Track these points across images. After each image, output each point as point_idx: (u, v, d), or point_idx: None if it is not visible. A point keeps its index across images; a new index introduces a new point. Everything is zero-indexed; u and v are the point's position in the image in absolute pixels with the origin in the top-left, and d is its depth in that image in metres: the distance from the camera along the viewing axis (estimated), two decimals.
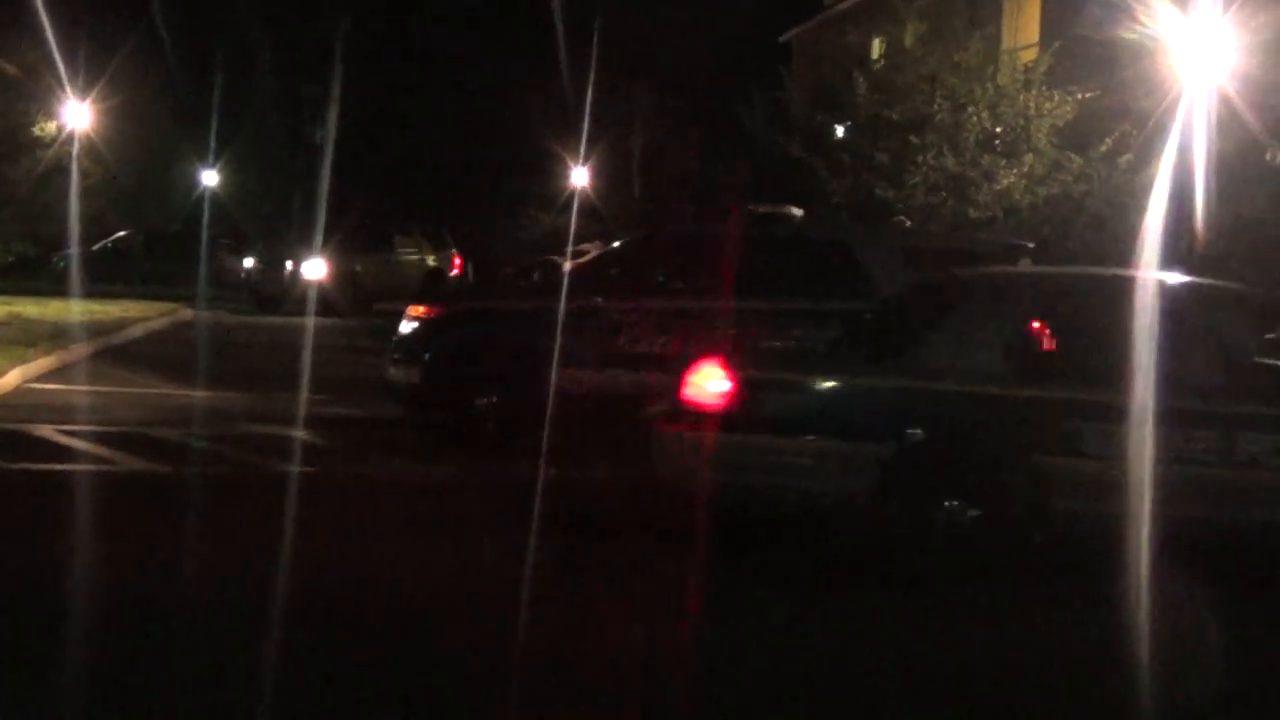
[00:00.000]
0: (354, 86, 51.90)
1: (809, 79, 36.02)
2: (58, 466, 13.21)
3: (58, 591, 8.79)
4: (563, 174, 51.70)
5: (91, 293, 35.07)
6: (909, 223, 19.87)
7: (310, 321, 26.74)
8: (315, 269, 36.72)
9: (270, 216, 39.75)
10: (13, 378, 18.63)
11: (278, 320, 30.60)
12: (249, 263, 41.90)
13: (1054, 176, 28.67)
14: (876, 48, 37.28)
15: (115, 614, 8.36)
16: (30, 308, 29.81)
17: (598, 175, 51.00)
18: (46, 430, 14.98)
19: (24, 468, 13.00)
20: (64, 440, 14.51)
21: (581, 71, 42.65)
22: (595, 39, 44.10)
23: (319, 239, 36.62)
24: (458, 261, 41.68)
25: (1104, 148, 28.17)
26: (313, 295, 30.85)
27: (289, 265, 39.06)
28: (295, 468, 13.64)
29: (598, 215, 45.01)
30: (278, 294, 37.47)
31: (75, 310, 29.21)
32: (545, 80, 51.72)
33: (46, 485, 12.37)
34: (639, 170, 53.91)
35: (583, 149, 46.18)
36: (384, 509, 12.19)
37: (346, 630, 8.19)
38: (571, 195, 45.23)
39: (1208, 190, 21.00)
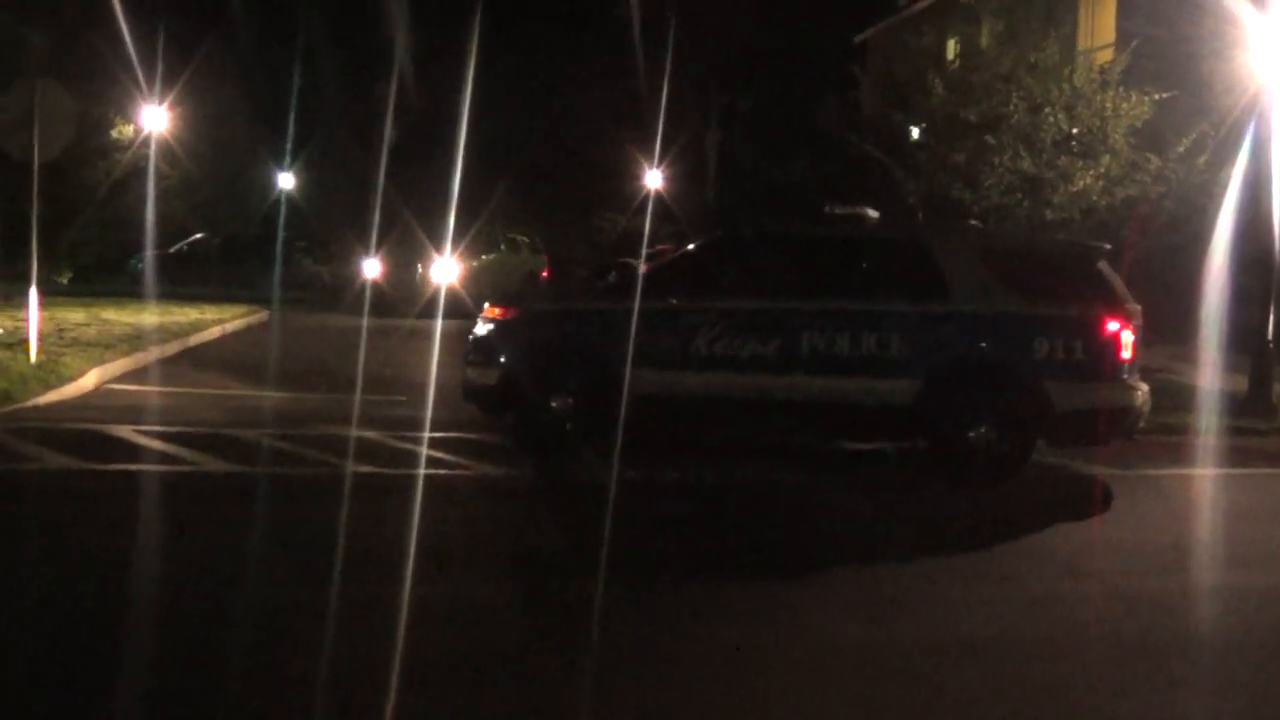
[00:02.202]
0: (431, 90, 52.07)
1: (883, 79, 35.73)
2: (135, 466, 13.27)
3: (133, 590, 8.85)
4: (637, 176, 51.68)
5: (168, 295, 35.37)
6: (981, 225, 19.71)
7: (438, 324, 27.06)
8: (443, 272, 36.55)
9: (356, 222, 39.67)
10: (91, 378, 18.79)
11: (406, 323, 30.47)
12: (369, 267, 41.19)
13: (1131, 177, 28.33)
14: (951, 48, 37.02)
15: (187, 613, 8.41)
16: (108, 310, 30.05)
17: (672, 177, 50.94)
18: (124, 430, 15.08)
19: (102, 468, 13.08)
20: (141, 440, 14.60)
21: (656, 73, 42.67)
22: (669, 41, 44.12)
23: (445, 243, 36.55)
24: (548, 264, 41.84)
25: (1181, 148, 27.86)
26: (439, 298, 30.87)
27: (419, 268, 39.07)
28: (371, 468, 13.67)
29: (672, 217, 45.01)
30: (408, 297, 36.98)
31: (152, 312, 29.45)
32: (620, 82, 51.65)
33: (124, 485, 12.43)
34: (712, 171, 53.86)
35: (657, 151, 46.13)
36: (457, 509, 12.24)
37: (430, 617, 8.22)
38: (646, 197, 45.15)
39: None
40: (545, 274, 41.17)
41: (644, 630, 8.56)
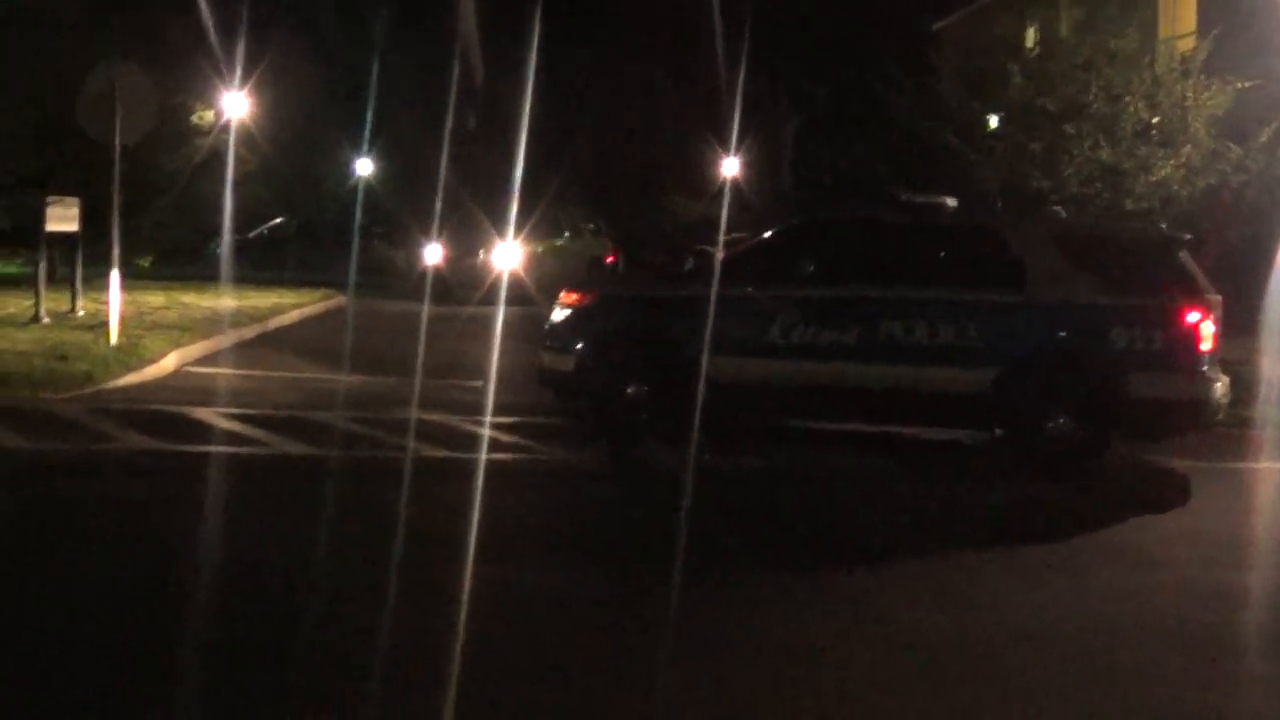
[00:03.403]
0: (503, 74, 52.18)
1: (961, 67, 35.51)
2: (213, 448, 13.40)
3: (208, 568, 8.95)
4: (713, 163, 51.59)
5: (246, 279, 35.67)
6: (1064, 213, 19.58)
7: (501, 311, 27.21)
8: (506, 257, 36.64)
9: (425, 207, 39.82)
10: (171, 361, 18.98)
11: (473, 310, 30.56)
12: (430, 253, 41.24)
13: (1212, 167, 28.09)
14: (1030, 36, 36.74)
15: (259, 592, 8.49)
16: (187, 293, 30.33)
17: (747, 164, 50.81)
18: (203, 412, 15.22)
19: (181, 448, 13.21)
20: (219, 422, 14.74)
21: (732, 57, 42.60)
22: (746, 23, 44.00)
23: (509, 228, 36.65)
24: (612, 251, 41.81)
25: (1264, 137, 27.58)
26: (504, 284, 31.00)
27: (481, 254, 39.25)
28: (445, 453, 13.74)
29: (747, 204, 44.88)
30: (469, 283, 36.94)
31: (230, 296, 29.69)
32: (696, 68, 51.60)
33: (202, 465, 12.55)
34: (788, 159, 53.72)
35: (733, 138, 46.00)
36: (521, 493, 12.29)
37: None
38: (722, 184, 45.06)
39: None
40: (610, 259, 41.20)
41: (716, 620, 8.55)
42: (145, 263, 42.97)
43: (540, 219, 40.91)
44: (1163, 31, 33.87)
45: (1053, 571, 10.33)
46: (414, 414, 15.62)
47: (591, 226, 44.06)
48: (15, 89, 22.30)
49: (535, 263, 38.65)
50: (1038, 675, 7.75)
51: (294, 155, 55.98)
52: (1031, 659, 8.02)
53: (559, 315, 15.57)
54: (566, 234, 42.27)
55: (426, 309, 27.03)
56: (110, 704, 6.64)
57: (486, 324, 25.18)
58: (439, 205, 39.23)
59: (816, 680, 7.49)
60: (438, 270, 38.39)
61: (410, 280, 37.68)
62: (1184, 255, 15.06)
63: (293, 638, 7.67)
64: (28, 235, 23.41)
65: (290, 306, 30.02)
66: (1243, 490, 14.60)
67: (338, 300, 34.74)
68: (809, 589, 9.43)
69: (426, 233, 41.07)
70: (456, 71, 48.66)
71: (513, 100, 44.85)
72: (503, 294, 29.25)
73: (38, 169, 25.65)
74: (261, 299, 30.81)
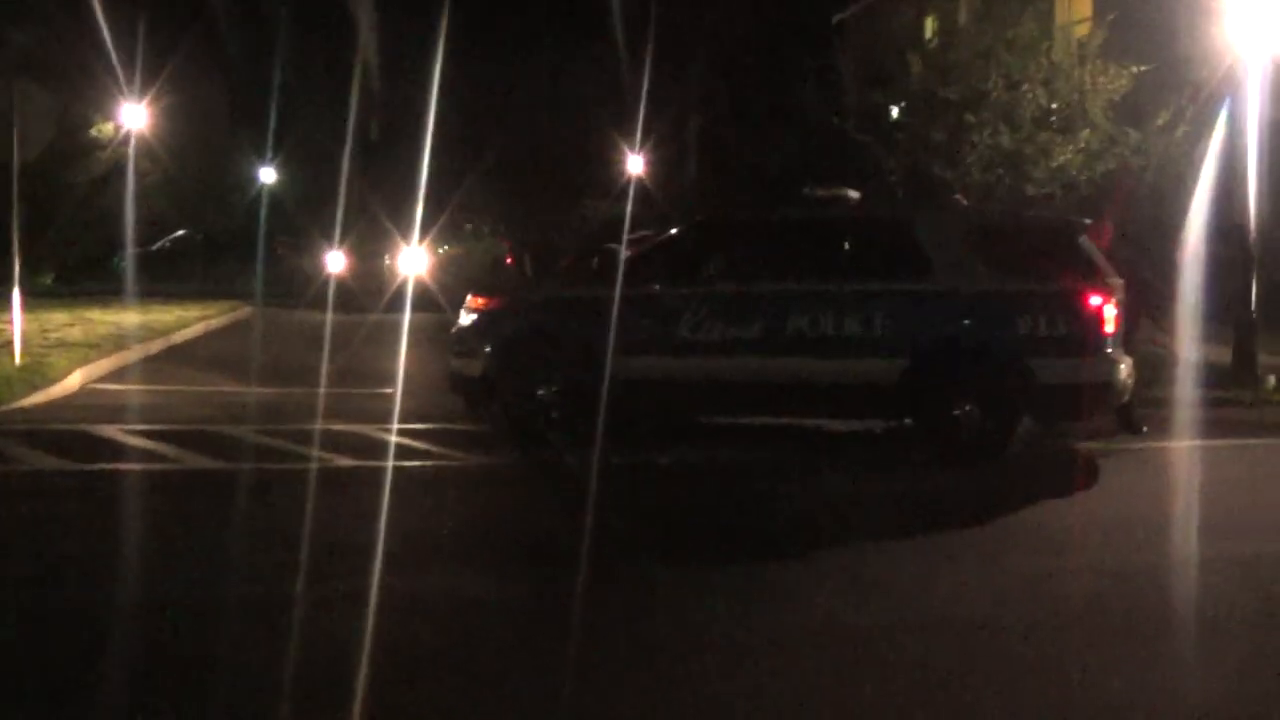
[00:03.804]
0: (406, 79, 52.01)
1: (862, 58, 35.76)
2: (121, 465, 13.27)
3: (116, 586, 8.85)
4: (618, 161, 51.60)
5: (151, 292, 35.32)
6: (964, 201, 19.73)
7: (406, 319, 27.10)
8: (412, 263, 36.44)
9: (328, 216, 39.63)
10: (76, 378, 18.79)
11: (376, 318, 30.33)
12: (333, 260, 40.70)
13: (1111, 151, 28.34)
14: (929, 26, 37.04)
15: (169, 608, 8.41)
16: (91, 309, 30.02)
17: (653, 162, 50.86)
18: (110, 430, 15.07)
19: (88, 467, 13.06)
20: (127, 439, 14.59)
21: (636, 56, 42.65)
22: (649, 22, 44.07)
23: (413, 234, 36.51)
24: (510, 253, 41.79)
25: (1160, 121, 27.88)
26: (409, 290, 30.87)
27: (386, 260, 39.04)
28: (355, 462, 13.68)
29: (653, 202, 44.94)
30: (374, 290, 36.51)
31: (135, 311, 29.43)
32: (599, 66, 51.61)
33: (110, 484, 12.42)
34: (693, 155, 53.79)
35: (638, 135, 46.05)
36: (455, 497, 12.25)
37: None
38: (628, 182, 45.09)
39: (1260, 161, 20.81)
40: (508, 261, 41.19)
41: (632, 616, 8.55)
42: (48, 279, 42.48)
43: (446, 223, 40.78)
44: (1059, 18, 34.21)
45: (965, 558, 10.39)
46: (321, 424, 15.53)
47: (486, 228, 43.97)
48: None
49: (442, 268, 38.52)
50: (952, 662, 7.78)
51: (197, 166, 55.53)
52: (945, 646, 8.04)
53: (466, 319, 15.54)
54: (472, 237, 42.16)
55: (331, 317, 26.90)
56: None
57: (392, 331, 25.07)
58: (341, 212, 39.07)
59: (733, 674, 7.49)
60: (341, 278, 38.18)
61: (314, 289, 37.35)
62: (1084, 240, 15.19)
63: (202, 653, 7.59)
64: None
65: (195, 319, 29.77)
66: (1151, 470, 14.76)
67: (243, 311, 34.49)
68: (722, 584, 9.41)
69: (330, 241, 40.88)
70: (358, 78, 48.48)
71: (416, 105, 44.75)
72: (408, 300, 29.11)
73: None
74: (166, 313, 30.53)
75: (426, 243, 38.43)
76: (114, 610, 8.37)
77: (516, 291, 16.96)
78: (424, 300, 31.07)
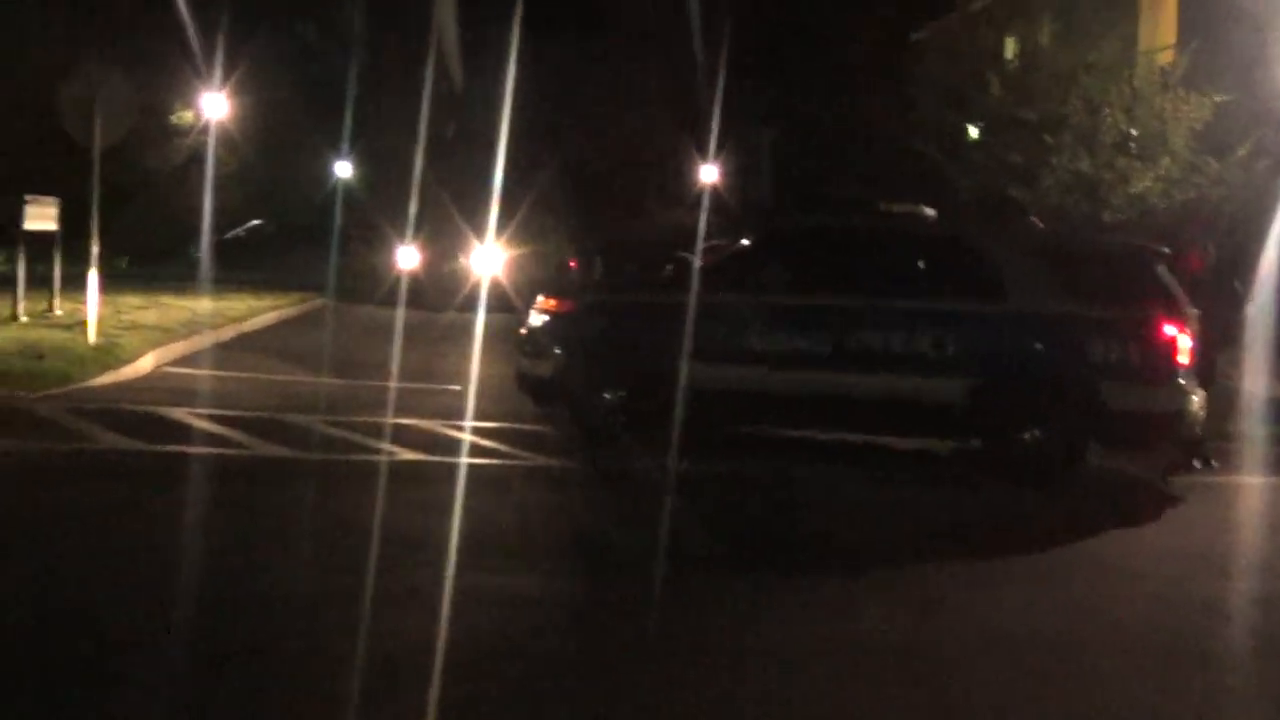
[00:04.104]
0: (482, 78, 52.21)
1: (940, 77, 35.63)
2: (188, 448, 13.37)
3: (179, 569, 8.93)
4: (692, 170, 51.61)
5: (223, 280, 35.53)
6: (1039, 224, 19.65)
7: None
8: (486, 263, 36.44)
9: (408, 211, 39.69)
10: (148, 361, 18.96)
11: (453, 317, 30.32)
12: (406, 257, 40.59)
13: (1190, 180, 28.21)
14: (1010, 47, 36.90)
15: (230, 596, 8.48)
16: (165, 294, 30.26)
17: (726, 172, 50.85)
18: (180, 412, 15.20)
19: (156, 448, 13.17)
20: (196, 422, 14.71)
21: (713, 66, 42.64)
22: (723, 34, 44.05)
23: (487, 233, 36.57)
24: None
25: (1242, 152, 27.71)
26: (483, 290, 30.99)
27: (461, 259, 39.08)
28: (422, 456, 13.74)
29: (726, 211, 44.90)
30: (448, 288, 36.38)
31: (208, 297, 29.64)
32: (676, 74, 51.65)
33: (177, 466, 12.52)
34: (767, 167, 53.77)
35: (712, 144, 46.06)
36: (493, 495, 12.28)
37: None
38: (701, 191, 45.09)
39: None
40: (571, 264, 41.28)
41: (691, 625, 8.56)
42: (124, 263, 42.83)
43: (521, 224, 40.80)
44: (1143, 44, 33.99)
45: (1026, 581, 10.36)
46: (390, 418, 15.61)
47: (558, 232, 44.03)
48: None
49: (515, 268, 38.53)
50: (1009, 683, 7.77)
51: (273, 157, 55.89)
52: (1003, 667, 8.04)
53: (537, 321, 15.58)
54: (543, 238, 42.21)
55: (403, 314, 27.01)
56: (89, 704, 6.63)
57: (465, 330, 25.11)
58: (415, 209, 39.18)
59: (791, 686, 7.49)
60: (414, 275, 38.26)
61: (387, 284, 37.42)
62: (1162, 269, 15.11)
63: (266, 641, 7.65)
64: (7, 234, 23.36)
65: (267, 309, 29.98)
66: (1218, 503, 14.64)
67: (315, 304, 34.67)
68: (784, 595, 9.44)
69: (403, 237, 41.02)
70: (435, 75, 48.63)
71: (492, 105, 44.90)
72: (482, 300, 29.17)
73: (20, 170, 25.63)
74: (239, 301, 30.75)
75: (501, 242, 38.40)
76: (177, 594, 8.43)
77: (587, 295, 16.99)
78: (498, 300, 31.10)
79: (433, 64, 47.58)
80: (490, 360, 19.33)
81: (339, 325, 28.49)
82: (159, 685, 6.91)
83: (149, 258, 44.96)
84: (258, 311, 28.95)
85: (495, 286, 33.55)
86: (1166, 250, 15.86)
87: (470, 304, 31.10)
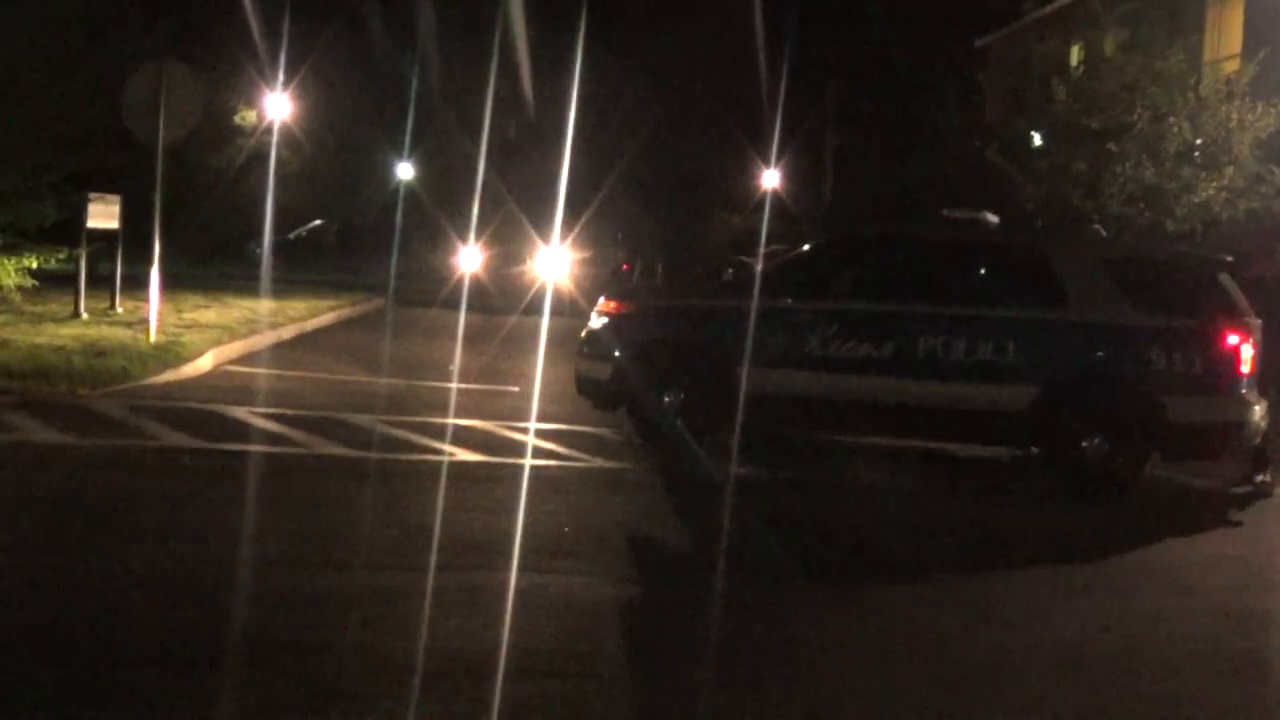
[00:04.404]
0: (547, 82, 52.33)
1: (1005, 84, 35.50)
2: (247, 446, 13.43)
3: (230, 564, 8.96)
4: (754, 175, 51.59)
5: (284, 280, 35.69)
6: (1103, 232, 19.52)
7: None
8: (551, 267, 36.42)
9: (467, 213, 39.65)
10: (208, 359, 19.04)
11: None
12: (469, 259, 40.46)
13: (1255, 190, 27.98)
14: (1075, 54, 36.68)
15: (281, 591, 8.50)
16: (226, 293, 30.41)
17: (788, 177, 50.82)
18: (239, 411, 15.27)
19: (215, 446, 13.23)
20: (255, 421, 14.78)
21: (776, 70, 42.60)
22: (786, 38, 43.99)
23: (552, 237, 36.59)
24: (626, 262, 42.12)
25: None
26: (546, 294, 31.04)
27: (525, 263, 39.09)
28: (480, 457, 13.75)
29: (789, 216, 44.91)
30: (512, 292, 36.19)
31: (268, 297, 29.77)
32: (740, 79, 51.64)
33: (236, 464, 12.57)
34: (829, 172, 53.70)
35: (774, 150, 46.02)
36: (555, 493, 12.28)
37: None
38: (763, 196, 45.06)
39: None
40: (624, 267, 41.45)
41: (753, 632, 8.54)
42: (186, 262, 43.10)
43: (586, 228, 40.82)
44: (1208, 53, 33.77)
45: (1088, 592, 10.29)
46: (450, 419, 15.64)
47: (619, 236, 44.19)
48: (63, 88, 22.46)
49: (582, 272, 38.48)
50: (1071, 695, 7.71)
51: (335, 157, 56.13)
52: (1065, 679, 7.99)
53: (597, 323, 15.58)
54: (608, 243, 42.34)
55: (465, 318, 27.04)
56: (155, 696, 6.66)
57: (530, 334, 25.07)
58: (479, 212, 39.18)
59: (852, 695, 7.46)
60: (477, 278, 38.21)
61: (449, 287, 37.39)
62: (1225, 278, 14.98)
63: (330, 638, 7.67)
64: (71, 232, 23.54)
65: (327, 309, 30.09)
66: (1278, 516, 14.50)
67: (375, 304, 34.78)
68: (847, 602, 9.41)
69: (466, 240, 41.05)
70: (500, 77, 48.75)
71: (555, 109, 44.95)
72: (546, 304, 29.12)
73: (85, 168, 25.80)
74: (300, 301, 30.86)
75: (567, 245, 38.34)
76: (233, 591, 8.46)
77: (648, 299, 16.96)
78: (564, 305, 31.11)
79: (497, 65, 47.64)
80: (554, 366, 19.32)
81: (399, 330, 28.50)
82: (205, 676, 6.94)
83: (211, 256, 45.22)
84: (317, 311, 29.04)
85: (562, 292, 33.56)
86: (1230, 259, 15.72)
87: (535, 308, 31.14)
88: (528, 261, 39.13)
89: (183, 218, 38.29)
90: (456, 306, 30.66)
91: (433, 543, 9.83)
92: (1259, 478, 15.37)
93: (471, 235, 40.11)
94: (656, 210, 56.38)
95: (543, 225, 37.60)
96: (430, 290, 38.79)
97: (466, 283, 35.58)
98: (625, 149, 53.62)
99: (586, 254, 40.52)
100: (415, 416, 15.92)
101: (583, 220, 39.77)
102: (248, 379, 18.55)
